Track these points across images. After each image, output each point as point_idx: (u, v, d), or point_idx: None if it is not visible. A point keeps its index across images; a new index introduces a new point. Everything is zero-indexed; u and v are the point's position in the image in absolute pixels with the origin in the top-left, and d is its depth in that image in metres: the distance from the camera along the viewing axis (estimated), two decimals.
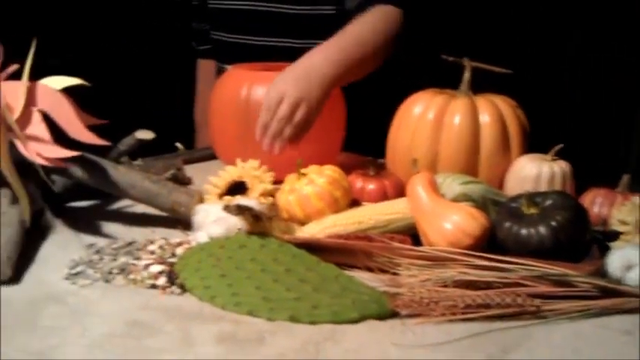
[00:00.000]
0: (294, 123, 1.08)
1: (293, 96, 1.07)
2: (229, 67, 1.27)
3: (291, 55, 1.20)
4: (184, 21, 1.62)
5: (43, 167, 0.89)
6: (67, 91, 0.94)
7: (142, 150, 1.18)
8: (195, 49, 1.61)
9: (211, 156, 1.34)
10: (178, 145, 1.34)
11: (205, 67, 1.61)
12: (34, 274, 0.82)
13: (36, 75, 0.93)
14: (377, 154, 1.24)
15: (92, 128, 0.94)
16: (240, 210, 0.84)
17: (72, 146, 0.91)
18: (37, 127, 0.88)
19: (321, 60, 1.13)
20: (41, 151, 0.86)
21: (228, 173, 1.03)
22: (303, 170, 0.96)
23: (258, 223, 0.86)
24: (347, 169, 1.01)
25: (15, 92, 0.88)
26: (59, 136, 0.93)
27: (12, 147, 0.88)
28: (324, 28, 1.37)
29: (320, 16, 1.43)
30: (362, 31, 1.21)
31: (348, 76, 1.18)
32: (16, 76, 0.90)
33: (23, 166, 0.90)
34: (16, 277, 0.79)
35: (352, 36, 1.19)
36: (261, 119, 1.09)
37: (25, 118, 0.88)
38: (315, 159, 1.11)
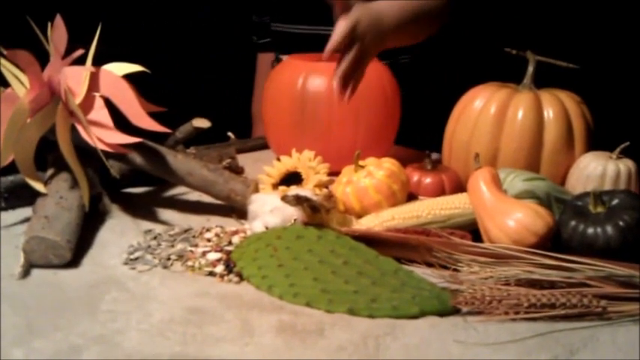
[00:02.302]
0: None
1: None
2: (285, 58, 1.27)
3: None
4: (246, 14, 1.63)
5: (103, 152, 0.90)
6: (128, 78, 0.94)
7: (194, 139, 1.18)
8: (256, 42, 1.62)
9: (263, 146, 1.34)
10: (230, 134, 1.34)
11: (265, 60, 1.61)
12: (92, 258, 0.83)
13: (98, 61, 0.94)
14: (431, 148, 1.22)
15: (151, 115, 0.95)
16: (299, 200, 0.84)
17: (131, 132, 0.91)
18: (99, 112, 0.88)
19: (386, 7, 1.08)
20: (103, 136, 0.87)
21: (283, 163, 1.03)
22: (361, 162, 0.95)
23: (316, 215, 0.85)
24: (402, 162, 0.99)
25: (78, 77, 0.89)
26: (119, 121, 0.94)
27: (73, 131, 0.89)
28: None
29: None
30: None
31: (404, 33, 1.13)
32: (80, 61, 0.91)
33: (83, 151, 0.91)
34: (74, 261, 0.80)
35: None
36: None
37: (87, 103, 0.89)
38: (368, 149, 1.10)
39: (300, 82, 1.16)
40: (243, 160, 1.26)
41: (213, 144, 1.26)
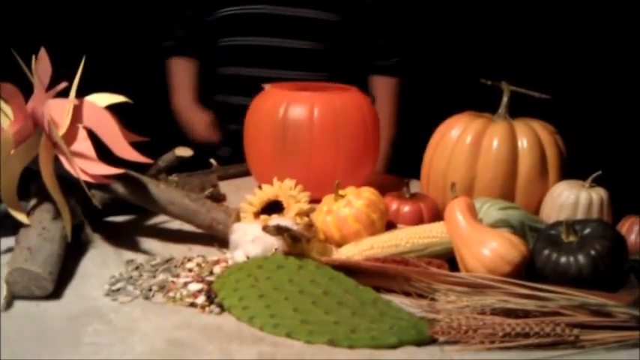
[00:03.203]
0: None
1: None
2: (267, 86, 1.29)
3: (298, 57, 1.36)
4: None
5: (85, 182, 0.91)
6: (111, 108, 0.96)
7: (176, 166, 1.20)
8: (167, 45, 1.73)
9: (245, 173, 1.35)
10: (212, 161, 1.35)
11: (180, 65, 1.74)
12: (74, 289, 0.83)
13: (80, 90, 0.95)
14: (408, 174, 1.25)
15: (134, 143, 0.96)
16: (279, 231, 0.85)
17: (114, 162, 0.92)
18: (82, 143, 0.89)
19: None
20: (86, 167, 0.88)
21: (265, 192, 1.04)
22: (340, 192, 0.96)
23: (296, 244, 0.86)
24: (382, 189, 1.01)
25: (61, 109, 0.90)
26: (101, 150, 0.95)
27: (56, 162, 0.90)
28: (328, 33, 1.53)
29: (324, 22, 1.58)
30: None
31: None
32: (64, 92, 0.92)
33: (65, 180, 0.92)
34: (57, 292, 0.81)
35: None
36: None
37: (70, 134, 0.90)
38: (349, 177, 1.13)
39: (281, 111, 1.18)
40: (225, 187, 1.27)
41: (195, 171, 1.28)
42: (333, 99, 1.19)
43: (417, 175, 1.16)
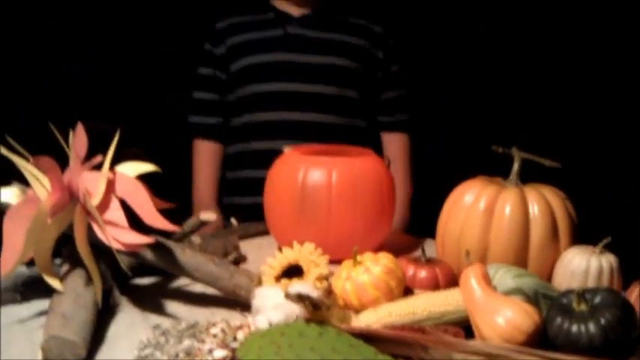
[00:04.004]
0: None
1: None
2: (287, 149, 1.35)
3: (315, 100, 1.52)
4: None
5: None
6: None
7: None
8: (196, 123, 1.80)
9: (265, 231, 1.40)
10: (233, 220, 1.40)
11: (202, 148, 1.79)
12: (105, 354, 0.87)
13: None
14: (424, 231, 1.29)
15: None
16: (301, 299, 0.89)
17: (143, 227, 0.97)
18: (115, 213, 0.94)
19: None
20: (118, 236, 0.93)
21: (285, 256, 1.08)
22: (358, 257, 1.00)
23: (317, 312, 0.90)
24: (398, 249, 1.04)
25: (96, 180, 0.95)
26: (131, 212, 1.00)
27: (89, 230, 0.95)
28: (343, 79, 1.64)
29: (339, 67, 1.68)
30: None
31: None
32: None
33: (96, 246, 0.96)
34: (88, 357, 0.85)
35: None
36: None
37: (104, 204, 0.95)
38: (366, 239, 1.17)
39: (300, 176, 1.23)
40: (245, 246, 1.31)
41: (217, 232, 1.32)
42: (351, 163, 1.24)
43: (432, 232, 1.19)
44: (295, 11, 1.72)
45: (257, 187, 1.34)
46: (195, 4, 2.26)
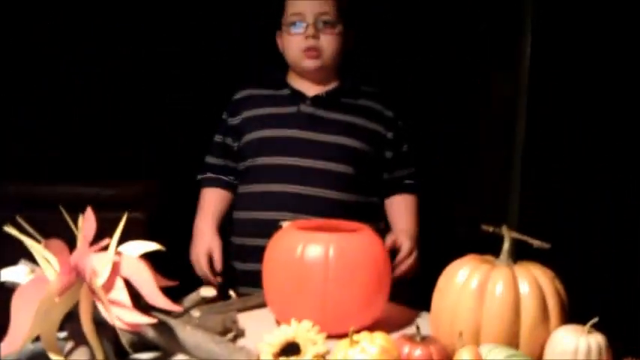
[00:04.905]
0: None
1: None
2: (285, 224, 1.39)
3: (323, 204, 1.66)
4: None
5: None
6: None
7: None
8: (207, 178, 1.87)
9: (263, 304, 1.42)
10: (232, 293, 1.43)
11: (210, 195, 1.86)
12: None
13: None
14: (420, 304, 1.32)
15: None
16: None
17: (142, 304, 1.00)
18: (119, 292, 0.98)
19: None
20: (121, 315, 0.96)
21: (283, 333, 1.11)
22: (355, 337, 1.03)
23: None
24: (393, 322, 1.06)
25: (102, 261, 0.99)
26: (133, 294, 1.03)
27: (94, 307, 0.98)
28: (352, 158, 1.77)
29: (348, 147, 1.77)
30: None
31: None
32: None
33: (99, 323, 0.99)
34: None
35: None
36: None
37: (109, 284, 0.98)
38: (362, 314, 1.20)
39: (298, 251, 1.26)
40: (244, 319, 1.34)
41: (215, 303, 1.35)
42: (347, 239, 1.28)
43: (427, 304, 1.22)
44: (310, 90, 1.80)
45: (259, 255, 1.37)
46: (195, 4, 2.31)
